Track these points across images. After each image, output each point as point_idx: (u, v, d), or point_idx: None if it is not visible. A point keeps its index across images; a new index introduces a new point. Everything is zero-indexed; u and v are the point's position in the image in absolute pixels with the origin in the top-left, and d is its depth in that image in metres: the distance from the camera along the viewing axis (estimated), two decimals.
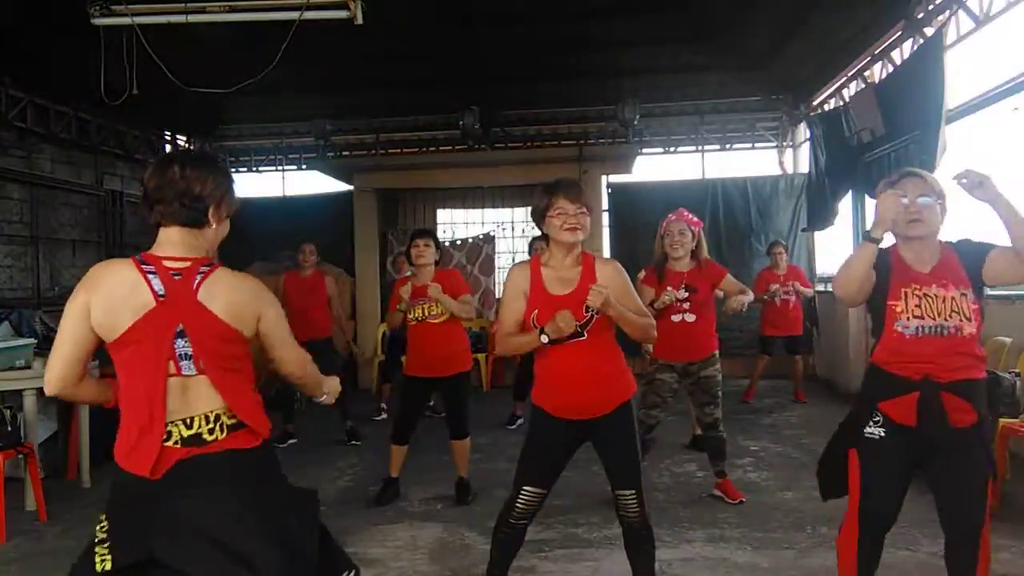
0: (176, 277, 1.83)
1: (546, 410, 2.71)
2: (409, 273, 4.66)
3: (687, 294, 4.18)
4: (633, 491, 2.68)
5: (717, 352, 4.32)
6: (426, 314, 4.38)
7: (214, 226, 1.93)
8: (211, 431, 1.84)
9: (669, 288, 4.20)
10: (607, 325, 2.65)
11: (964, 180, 2.30)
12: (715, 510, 4.16)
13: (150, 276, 1.81)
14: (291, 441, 6.03)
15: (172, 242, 1.87)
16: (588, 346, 2.62)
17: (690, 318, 4.21)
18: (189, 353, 1.81)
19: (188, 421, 1.82)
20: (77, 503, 4.56)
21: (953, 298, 2.36)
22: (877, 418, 2.44)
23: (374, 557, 3.58)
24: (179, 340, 1.80)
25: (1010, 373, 4.12)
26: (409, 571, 3.42)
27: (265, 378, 7.49)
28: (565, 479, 4.63)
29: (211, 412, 1.84)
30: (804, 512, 4.07)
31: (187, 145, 11.15)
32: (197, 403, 1.83)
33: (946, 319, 2.35)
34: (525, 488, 2.73)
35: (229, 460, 1.84)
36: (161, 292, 1.81)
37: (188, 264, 1.86)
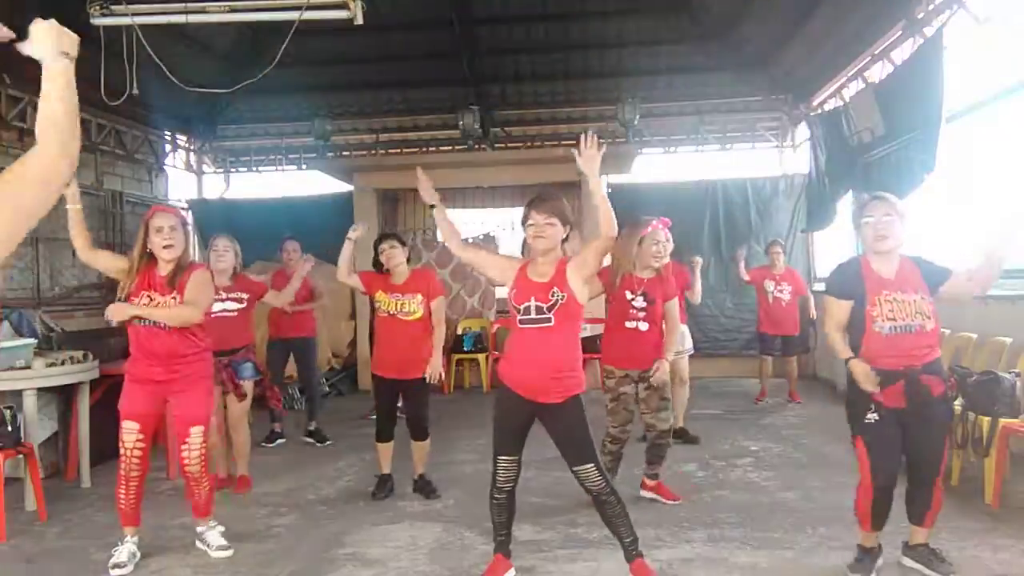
0: None
1: (506, 384, 3.10)
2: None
3: (644, 304, 4.14)
4: (592, 464, 3.04)
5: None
6: (399, 309, 4.38)
7: None
8: None
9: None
10: (573, 317, 3.00)
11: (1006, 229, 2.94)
12: (715, 510, 4.16)
13: None
14: (279, 441, 6.03)
15: None
16: (552, 333, 2.97)
17: (643, 327, 4.13)
18: None
19: None
20: (77, 503, 4.56)
21: (915, 301, 2.93)
22: (872, 407, 2.98)
23: (374, 557, 3.58)
24: None
25: (1010, 373, 4.11)
26: (409, 571, 3.42)
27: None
28: (564, 479, 4.64)
29: None
30: (804, 512, 4.06)
31: (188, 145, 11.15)
32: None
33: (912, 319, 2.93)
34: (499, 458, 3.14)
35: None
36: None
37: None
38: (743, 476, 4.85)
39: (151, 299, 3.47)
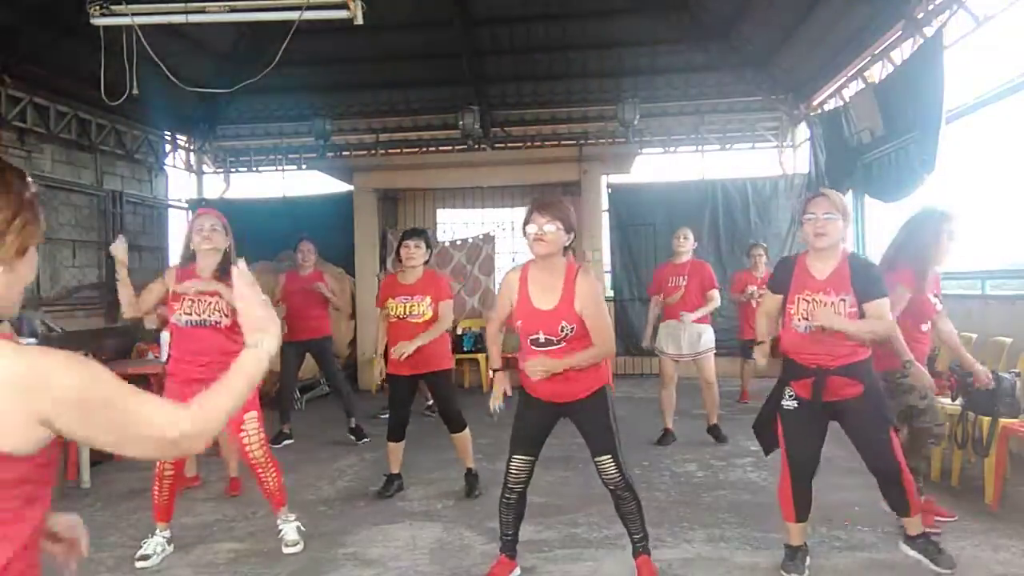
0: None
1: (530, 393, 3.14)
2: (396, 271, 4.64)
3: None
4: (609, 455, 3.04)
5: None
6: (408, 312, 4.39)
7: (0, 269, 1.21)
8: None
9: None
10: (583, 335, 2.97)
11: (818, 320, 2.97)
12: (715, 510, 4.15)
13: None
14: (287, 442, 6.03)
15: None
16: (563, 352, 2.97)
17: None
18: None
19: None
20: (77, 503, 4.55)
21: (833, 303, 2.97)
22: (791, 393, 3.13)
23: (374, 557, 3.58)
24: None
25: (1010, 373, 4.11)
26: (409, 571, 3.42)
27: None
28: (565, 479, 4.65)
29: None
30: None
31: (188, 145, 11.16)
32: None
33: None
34: (514, 456, 3.16)
35: None
36: None
37: None
38: (743, 476, 4.85)
39: (197, 301, 3.50)
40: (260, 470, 3.63)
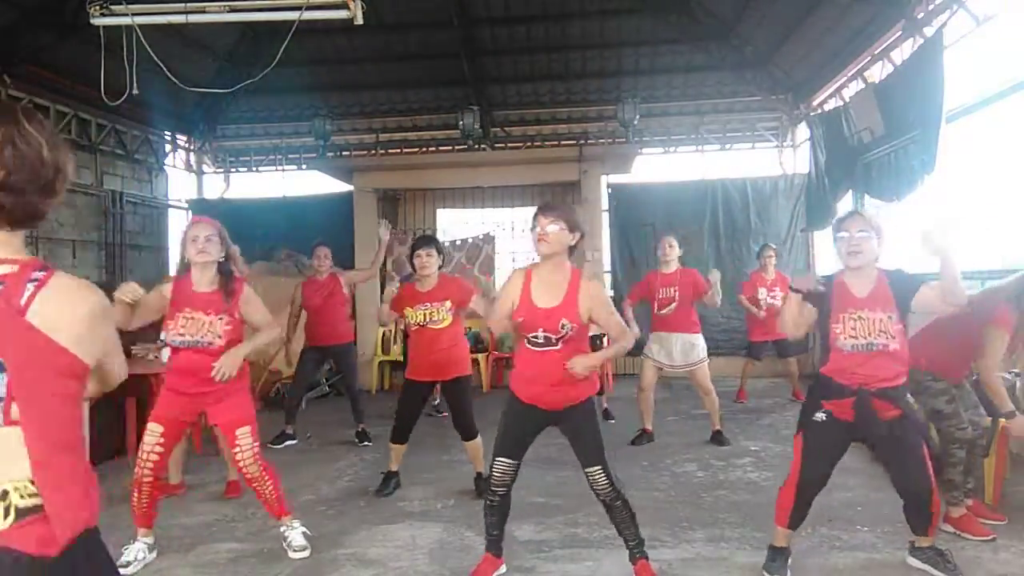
0: None
1: (518, 396, 3.12)
2: (415, 279, 4.63)
3: None
4: (600, 466, 3.05)
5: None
6: (427, 320, 4.39)
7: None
8: None
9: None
10: (581, 338, 3.03)
11: (929, 239, 2.80)
12: (715, 510, 4.15)
13: None
14: (289, 443, 6.02)
15: (10, 249, 1.33)
16: (561, 353, 2.97)
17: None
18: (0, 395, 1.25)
19: None
20: None
21: (880, 320, 2.94)
22: (823, 411, 3.06)
23: (374, 557, 3.58)
24: None
25: (1010, 373, 4.11)
26: (409, 571, 3.42)
27: (264, 378, 7.50)
28: (565, 479, 4.65)
29: (2, 484, 1.24)
30: None
31: (188, 145, 11.15)
32: None
33: (875, 338, 2.93)
34: (498, 459, 3.14)
35: None
36: None
37: (13, 269, 1.29)
38: (743, 476, 4.84)
39: (192, 318, 3.42)
40: (256, 484, 3.59)
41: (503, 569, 3.32)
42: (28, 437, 1.23)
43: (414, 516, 4.19)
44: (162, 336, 3.59)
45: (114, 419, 5.24)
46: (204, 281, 3.48)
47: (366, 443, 5.97)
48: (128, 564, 3.44)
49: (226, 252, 3.53)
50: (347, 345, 6.13)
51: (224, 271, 3.51)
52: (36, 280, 1.28)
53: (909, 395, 3.20)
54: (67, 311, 1.29)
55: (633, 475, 4.85)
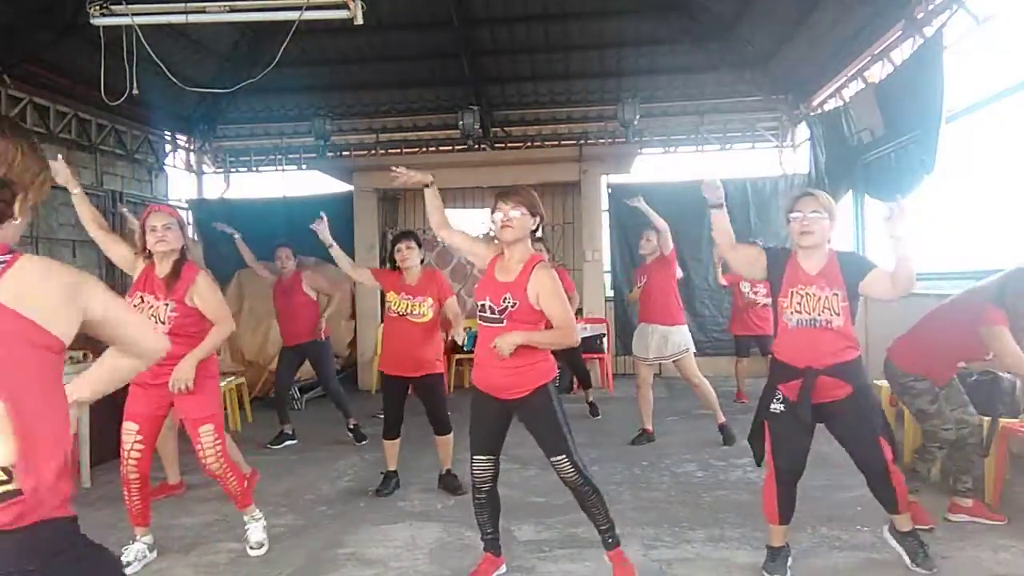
0: None
1: (478, 387, 3.16)
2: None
3: None
4: (563, 455, 3.03)
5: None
6: (408, 311, 4.41)
7: (18, 220, 1.47)
8: None
9: None
10: (527, 322, 3.00)
11: (889, 210, 2.79)
12: (715, 510, 4.16)
13: None
14: (289, 442, 6.03)
15: None
16: (501, 332, 2.98)
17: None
18: None
19: None
20: (77, 503, 4.54)
21: (827, 297, 2.98)
22: (779, 397, 3.10)
23: (374, 557, 3.58)
24: None
25: (1010, 373, 4.12)
26: (409, 571, 3.42)
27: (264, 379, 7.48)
28: None
29: None
30: (804, 512, 4.03)
31: (188, 145, 11.15)
32: None
33: (819, 314, 2.98)
34: (475, 457, 3.18)
35: None
36: None
37: None
38: (743, 476, 4.85)
39: (143, 300, 3.45)
40: (220, 479, 3.61)
41: (503, 569, 3.33)
42: (7, 410, 1.29)
43: (414, 516, 4.20)
44: None
45: (110, 419, 5.24)
46: (163, 269, 3.52)
47: (364, 442, 5.97)
48: (128, 564, 3.44)
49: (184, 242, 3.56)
50: (314, 344, 6.06)
51: (179, 266, 3.51)
52: (3, 262, 1.36)
53: (871, 378, 3.21)
54: (34, 287, 1.36)
55: (633, 475, 4.86)
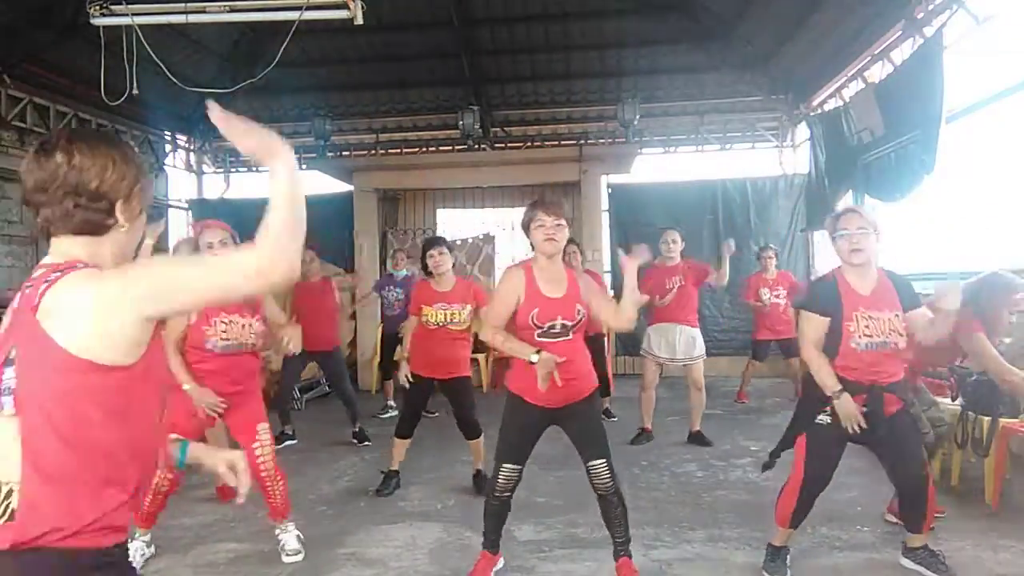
0: (27, 289, 1.34)
1: (523, 398, 3.06)
2: (425, 277, 4.61)
3: None
4: (604, 460, 3.05)
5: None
6: (448, 320, 4.40)
7: (124, 227, 1.42)
8: None
9: None
10: (584, 326, 3.07)
11: (942, 298, 2.82)
12: (715, 510, 4.16)
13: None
14: (289, 442, 6.03)
15: (61, 255, 1.38)
16: (570, 345, 3.01)
17: None
18: (12, 387, 1.31)
19: None
20: None
21: (889, 319, 2.96)
22: (828, 410, 3.02)
23: (374, 557, 3.58)
24: (7, 369, 1.32)
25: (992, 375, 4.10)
26: (409, 571, 3.42)
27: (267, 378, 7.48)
28: (565, 479, 4.65)
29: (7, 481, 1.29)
30: None
31: (188, 145, 11.16)
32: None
33: (887, 336, 2.95)
34: (504, 466, 3.14)
35: None
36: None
37: (42, 271, 1.35)
38: (743, 476, 4.85)
39: (231, 323, 3.42)
40: (269, 483, 3.56)
41: (501, 564, 3.33)
42: (22, 430, 1.28)
43: (414, 516, 4.19)
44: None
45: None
46: None
47: (366, 443, 5.97)
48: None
49: None
50: (332, 351, 6.05)
51: None
52: (50, 280, 1.31)
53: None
54: (66, 306, 1.28)
55: (633, 475, 4.86)
